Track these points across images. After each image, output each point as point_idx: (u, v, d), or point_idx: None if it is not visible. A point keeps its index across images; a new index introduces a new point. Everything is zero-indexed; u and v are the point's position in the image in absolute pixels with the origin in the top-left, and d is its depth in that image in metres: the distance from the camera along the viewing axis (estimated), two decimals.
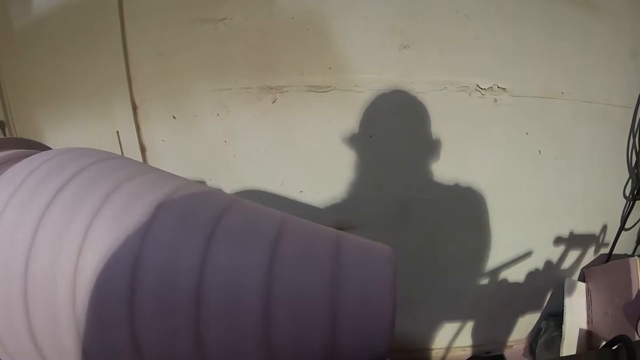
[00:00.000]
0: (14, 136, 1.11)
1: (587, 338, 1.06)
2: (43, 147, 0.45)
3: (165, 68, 0.93)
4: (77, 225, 0.27)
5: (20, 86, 1.09)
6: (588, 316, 1.07)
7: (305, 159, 0.92)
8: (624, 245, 1.10)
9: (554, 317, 1.13)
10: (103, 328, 0.26)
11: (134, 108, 0.97)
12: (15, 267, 0.26)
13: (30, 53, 1.06)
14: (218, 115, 0.91)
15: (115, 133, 1.00)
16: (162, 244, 0.27)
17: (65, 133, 1.06)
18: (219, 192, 0.34)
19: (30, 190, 0.29)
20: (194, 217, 0.29)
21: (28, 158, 0.35)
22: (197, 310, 0.26)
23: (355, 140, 0.92)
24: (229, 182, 0.95)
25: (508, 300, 1.11)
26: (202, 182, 0.96)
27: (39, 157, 0.33)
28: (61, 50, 1.01)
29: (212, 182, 0.96)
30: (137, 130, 0.98)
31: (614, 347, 0.33)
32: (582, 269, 1.11)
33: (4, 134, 1.15)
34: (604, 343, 0.34)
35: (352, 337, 0.27)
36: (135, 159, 0.39)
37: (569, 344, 1.05)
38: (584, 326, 1.07)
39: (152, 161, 0.98)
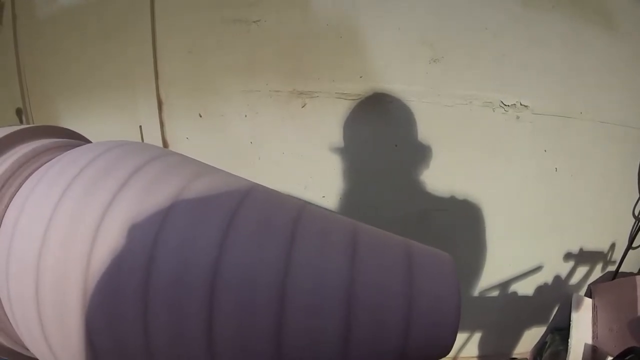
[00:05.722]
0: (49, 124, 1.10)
1: (592, 353, 1.09)
2: (83, 138, 0.45)
3: (195, 66, 0.93)
4: (150, 222, 0.27)
5: (41, 74, 1.07)
6: (593, 331, 1.10)
7: (330, 165, 0.93)
8: (631, 263, 1.13)
9: (559, 331, 1.15)
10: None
11: (159, 104, 0.96)
12: (74, 265, 0.26)
13: (54, 41, 1.05)
14: (246, 116, 0.92)
15: (138, 128, 1.00)
16: (243, 251, 0.27)
17: (85, 124, 1.04)
18: (291, 197, 0.35)
19: (90, 183, 0.28)
20: (270, 222, 0.29)
21: (79, 148, 0.34)
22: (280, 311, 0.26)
23: (380, 149, 0.93)
24: None
25: (516, 312, 1.13)
26: None
27: (92, 148, 0.32)
28: (86, 40, 1.00)
29: None
30: (161, 126, 0.97)
31: (626, 359, 0.34)
32: (589, 285, 1.14)
33: (21, 121, 1.13)
34: (609, 359, 0.35)
35: (421, 345, 0.28)
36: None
37: (575, 359, 1.07)
38: (589, 341, 1.10)
39: None
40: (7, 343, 0.34)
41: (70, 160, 0.31)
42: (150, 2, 0.94)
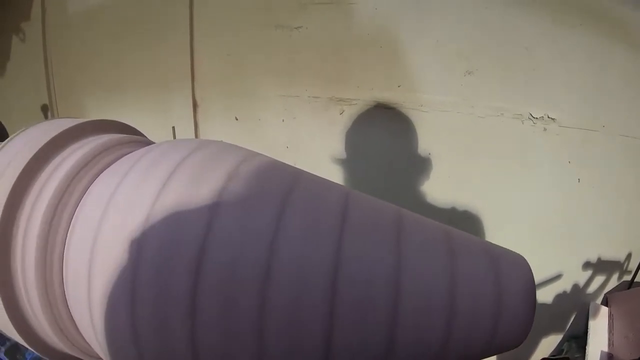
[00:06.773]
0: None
1: None
2: (144, 136, 0.44)
3: (232, 69, 0.93)
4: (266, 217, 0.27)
5: (70, 72, 1.06)
6: (609, 339, 1.13)
7: (365, 172, 0.94)
8: None
9: (576, 339, 1.18)
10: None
11: (194, 106, 0.96)
12: (187, 252, 0.25)
13: (85, 40, 1.04)
14: (283, 121, 0.92)
15: (171, 129, 0.99)
16: (356, 253, 0.28)
17: None
18: (387, 203, 0.36)
19: (193, 175, 0.28)
20: (377, 225, 0.30)
21: (165, 143, 0.34)
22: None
23: (415, 157, 0.94)
24: None
25: (535, 320, 1.16)
26: None
27: (182, 144, 0.31)
28: (121, 40, 1.00)
29: None
30: (195, 128, 0.97)
31: None
32: (605, 294, 1.17)
33: (46, 117, 1.12)
34: None
35: (499, 343, 0.29)
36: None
37: None
38: (605, 349, 1.13)
39: None
40: (74, 353, 0.32)
41: (161, 152, 0.30)
42: (190, 3, 0.94)
